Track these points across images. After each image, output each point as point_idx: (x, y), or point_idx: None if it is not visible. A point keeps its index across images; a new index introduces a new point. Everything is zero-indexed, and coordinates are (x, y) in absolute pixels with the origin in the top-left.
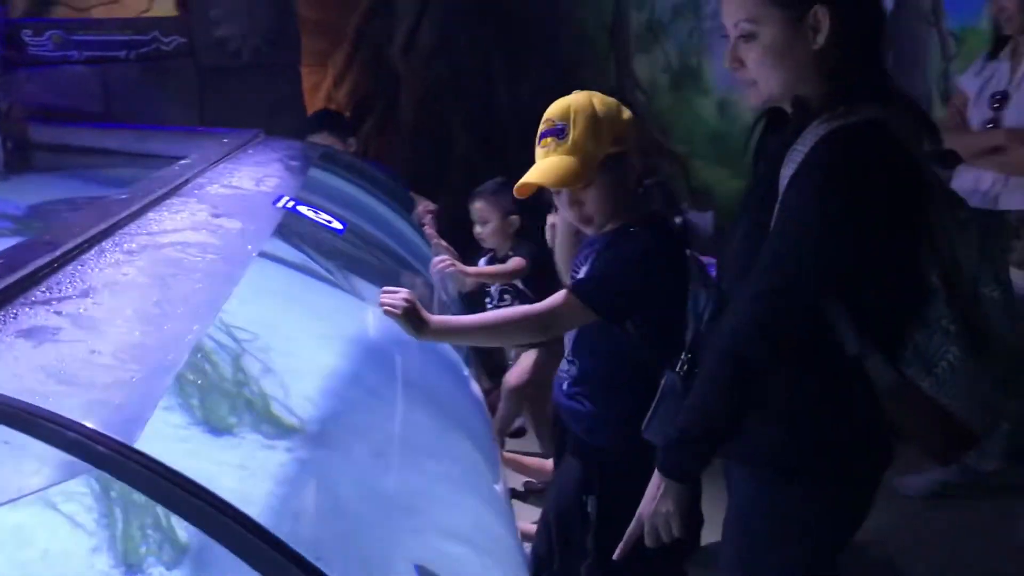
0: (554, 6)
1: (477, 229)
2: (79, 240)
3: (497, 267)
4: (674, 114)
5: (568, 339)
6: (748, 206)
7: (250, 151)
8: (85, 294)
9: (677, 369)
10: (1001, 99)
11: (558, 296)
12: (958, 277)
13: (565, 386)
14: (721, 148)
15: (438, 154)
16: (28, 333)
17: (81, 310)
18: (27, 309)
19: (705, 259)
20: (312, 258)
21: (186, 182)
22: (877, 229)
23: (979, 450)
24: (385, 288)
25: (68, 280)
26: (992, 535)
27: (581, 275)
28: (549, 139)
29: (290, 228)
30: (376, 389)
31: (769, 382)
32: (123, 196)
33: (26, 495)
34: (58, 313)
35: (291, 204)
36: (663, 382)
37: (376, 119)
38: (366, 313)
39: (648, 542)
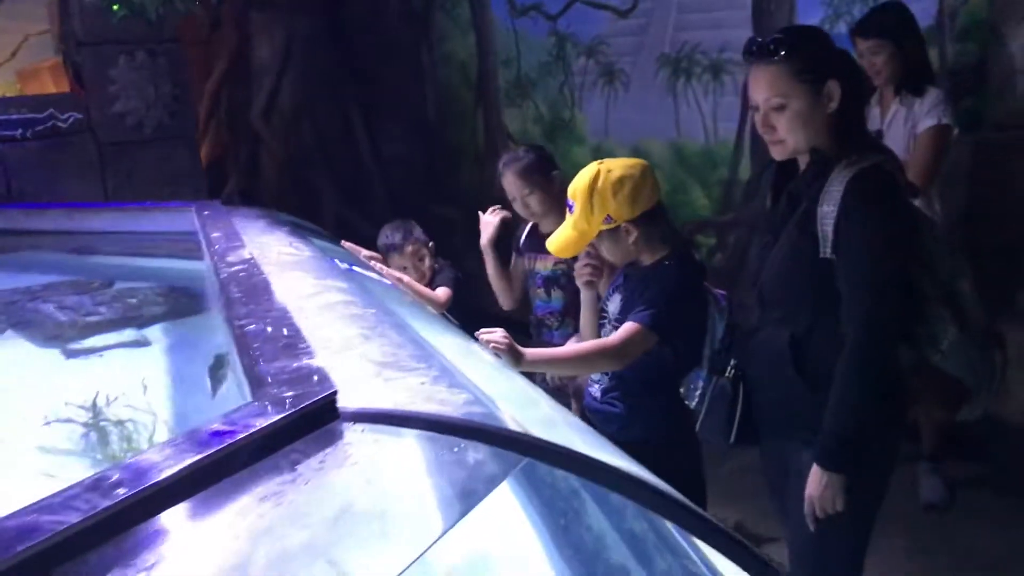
0: (416, 67)
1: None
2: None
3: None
4: None
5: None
6: (778, 233)
7: (237, 220)
8: None
9: (727, 375)
10: (877, 137)
11: (628, 328)
12: (940, 278)
13: (598, 393)
14: None
15: (307, 214)
16: None
17: None
18: None
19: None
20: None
21: (251, 259)
22: (909, 247)
23: (970, 403)
24: (483, 329)
25: None
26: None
27: (615, 305)
28: (567, 210)
29: (364, 284)
30: None
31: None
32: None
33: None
34: None
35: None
36: (712, 386)
37: (237, 182)
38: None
39: (820, 514)
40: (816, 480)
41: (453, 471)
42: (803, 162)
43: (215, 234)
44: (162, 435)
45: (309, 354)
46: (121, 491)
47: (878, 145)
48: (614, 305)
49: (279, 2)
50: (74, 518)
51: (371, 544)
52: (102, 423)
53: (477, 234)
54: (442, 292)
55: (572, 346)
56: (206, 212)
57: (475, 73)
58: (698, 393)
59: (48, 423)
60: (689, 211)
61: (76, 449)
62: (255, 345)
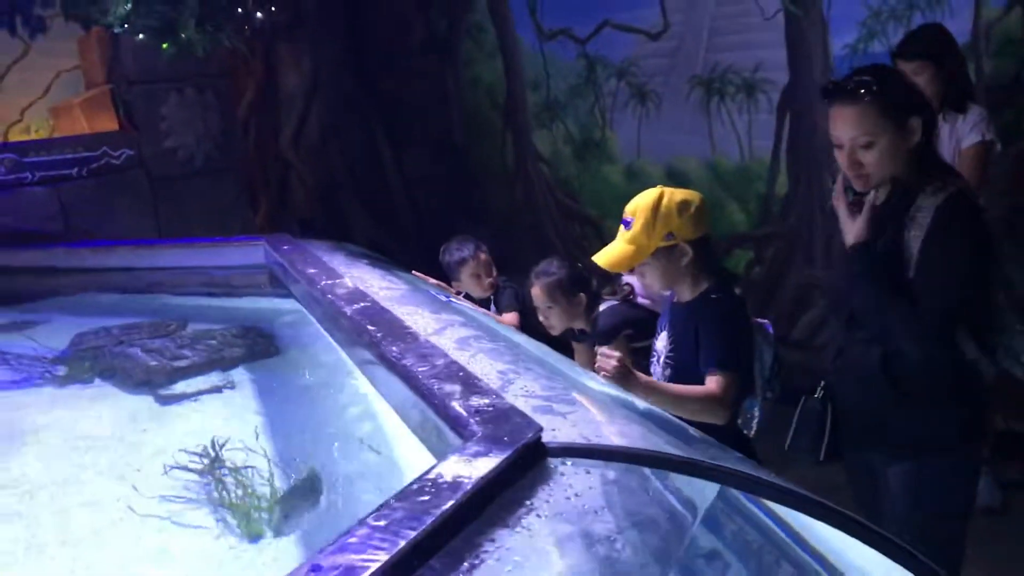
0: (441, 90)
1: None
2: None
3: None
4: (581, 180)
5: (657, 373)
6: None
7: (321, 253)
8: None
9: (816, 395)
10: None
11: (716, 379)
12: (1016, 294)
13: None
14: None
15: (340, 238)
16: None
17: None
18: None
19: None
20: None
21: (367, 295)
22: (991, 263)
23: None
24: (603, 351)
25: None
26: None
27: (664, 343)
28: (621, 227)
29: (470, 315)
30: None
31: (927, 389)
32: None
33: None
34: None
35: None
36: (802, 405)
37: (267, 209)
38: None
39: None
40: None
41: (661, 501)
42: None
43: (310, 270)
44: (279, 480)
45: (492, 392)
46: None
47: (952, 170)
48: (662, 343)
49: (305, 32)
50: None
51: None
52: (218, 469)
53: (505, 252)
54: (510, 317)
55: (681, 386)
56: (285, 247)
57: (503, 96)
58: (755, 421)
59: (167, 471)
60: (726, 226)
61: (197, 497)
62: (434, 384)
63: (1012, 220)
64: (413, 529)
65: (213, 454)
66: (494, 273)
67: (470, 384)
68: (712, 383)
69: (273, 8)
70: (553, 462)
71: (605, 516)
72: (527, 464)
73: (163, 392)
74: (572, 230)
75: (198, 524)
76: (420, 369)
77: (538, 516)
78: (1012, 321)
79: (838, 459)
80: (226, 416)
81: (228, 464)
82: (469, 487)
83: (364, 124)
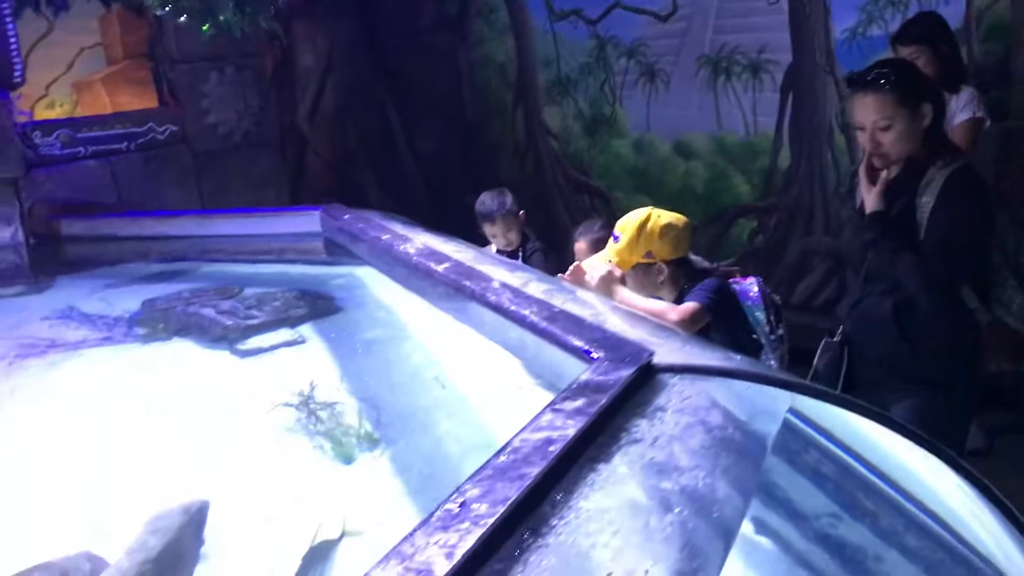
0: (453, 68)
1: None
2: None
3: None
4: (591, 154)
5: None
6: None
7: (384, 221)
8: None
9: (835, 338)
10: None
11: (689, 306)
12: (1009, 254)
13: None
14: (640, 180)
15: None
16: None
17: None
18: None
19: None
20: None
21: (448, 255)
22: (991, 227)
23: None
24: (588, 261)
25: None
26: None
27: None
28: (611, 239)
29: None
30: None
31: (933, 335)
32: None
33: None
34: None
35: None
36: (822, 346)
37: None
38: None
39: None
40: None
41: (755, 404)
42: None
43: (383, 235)
44: (365, 413)
45: (599, 328)
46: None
47: (958, 149)
48: None
49: (320, 11)
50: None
51: (727, 461)
52: (311, 406)
53: None
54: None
55: (651, 301)
56: (345, 215)
57: (514, 73)
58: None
59: (268, 410)
60: (731, 197)
61: (295, 429)
62: (550, 324)
63: (999, 189)
64: (586, 415)
65: (306, 394)
66: (515, 231)
67: (578, 322)
68: (681, 307)
69: None
70: (663, 376)
71: (714, 413)
72: (646, 377)
73: (240, 347)
74: (581, 202)
75: (299, 451)
76: (530, 313)
77: (663, 410)
78: (1005, 276)
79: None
80: (303, 365)
81: (319, 402)
82: (614, 390)
83: (377, 101)
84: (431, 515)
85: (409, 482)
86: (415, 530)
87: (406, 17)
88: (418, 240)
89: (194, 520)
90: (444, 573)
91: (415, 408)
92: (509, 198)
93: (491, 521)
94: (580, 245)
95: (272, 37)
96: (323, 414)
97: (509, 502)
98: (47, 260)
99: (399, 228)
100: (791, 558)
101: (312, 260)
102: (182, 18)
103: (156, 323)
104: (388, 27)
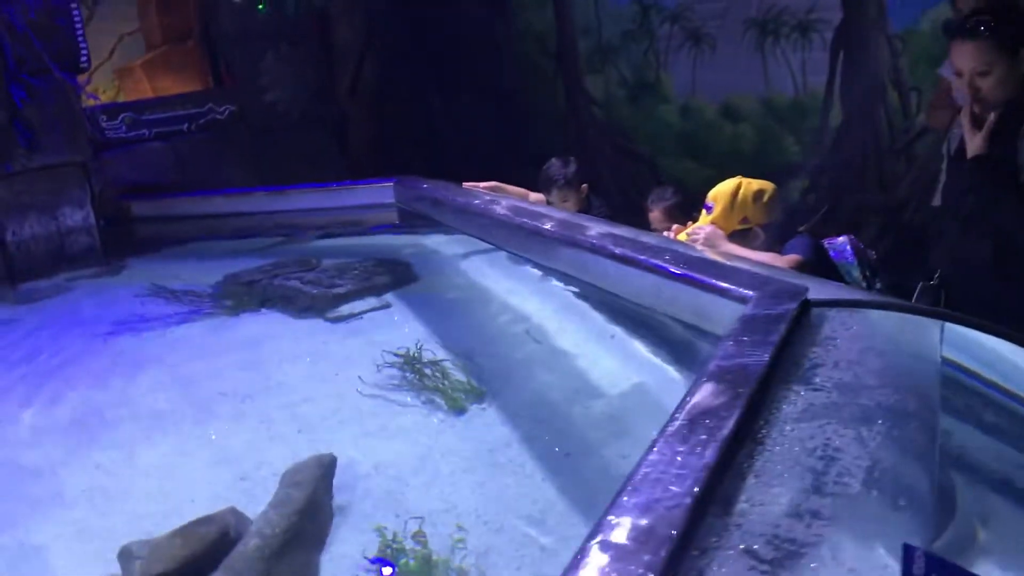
0: (491, 39)
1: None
2: None
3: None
4: (635, 120)
5: None
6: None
7: (463, 190)
8: None
9: (933, 282)
10: None
11: (791, 257)
12: None
13: None
14: (687, 145)
15: None
16: None
17: None
18: None
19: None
20: None
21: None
22: None
23: None
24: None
25: None
26: None
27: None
28: (703, 211)
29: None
30: None
31: None
32: None
33: None
34: None
35: None
36: (919, 289)
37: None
38: None
39: None
40: None
41: (908, 331)
42: None
43: (475, 200)
44: (467, 368)
45: (744, 270)
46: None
47: None
48: None
49: None
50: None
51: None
52: (417, 364)
53: None
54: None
55: (756, 253)
56: (424, 185)
57: (553, 42)
58: None
59: (381, 367)
60: (782, 157)
61: (402, 386)
62: (698, 271)
63: None
64: (769, 344)
65: (410, 354)
66: (570, 203)
67: (718, 266)
68: (784, 258)
69: None
70: (821, 310)
71: (879, 340)
72: (806, 309)
73: (330, 315)
74: (626, 168)
75: (410, 405)
76: (666, 260)
77: (833, 339)
78: None
79: None
80: (395, 328)
81: (423, 361)
82: (786, 321)
83: (415, 74)
84: (665, 428)
85: (520, 427)
86: (657, 440)
87: None
88: (507, 204)
89: (327, 473)
90: (688, 485)
91: (512, 362)
92: (571, 170)
93: (723, 435)
94: (655, 214)
95: (322, 15)
96: (428, 371)
97: (732, 419)
98: (118, 241)
99: (480, 195)
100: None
101: (391, 230)
102: None
103: (242, 296)
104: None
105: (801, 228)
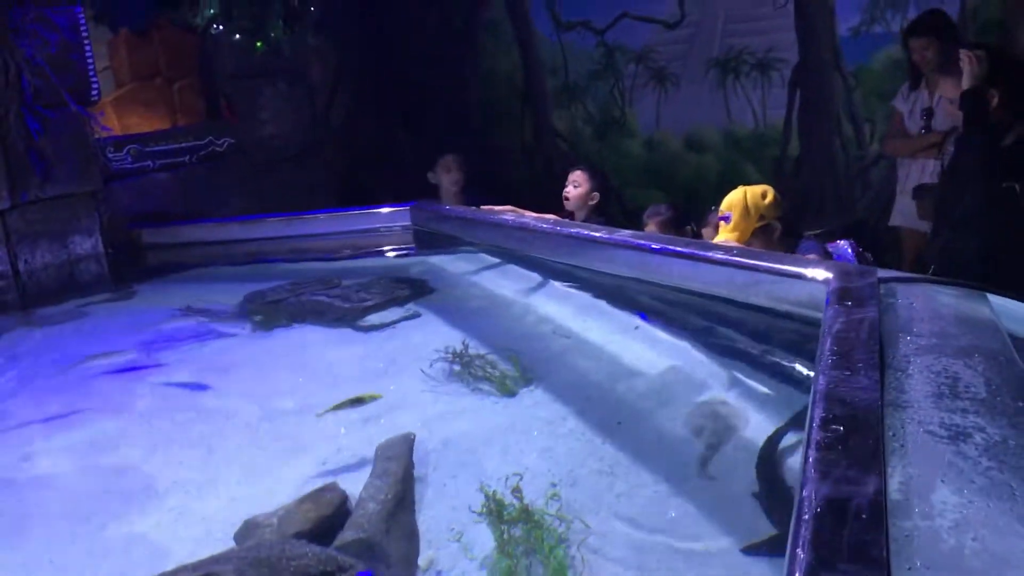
0: (460, 78)
1: (568, 190)
2: None
3: None
4: (602, 154)
5: None
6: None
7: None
8: None
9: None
10: (928, 113)
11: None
12: None
13: None
14: (652, 175)
15: None
16: None
17: None
18: None
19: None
20: None
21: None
22: None
23: None
24: None
25: None
26: None
27: None
28: (722, 222)
29: None
30: None
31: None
32: None
33: None
34: None
35: None
36: None
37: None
38: None
39: None
40: None
41: (963, 299)
42: None
43: (507, 217)
44: (508, 362)
45: (810, 261)
46: None
47: None
48: None
49: (329, 26)
50: None
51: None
52: (464, 358)
53: None
54: None
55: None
56: (447, 207)
57: (521, 82)
58: None
59: (431, 363)
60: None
61: (451, 379)
62: (755, 261)
63: None
64: (871, 310)
65: (457, 350)
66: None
67: (772, 258)
68: None
69: (312, 7)
70: (886, 285)
71: (952, 306)
72: (878, 284)
73: (361, 324)
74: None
75: (464, 392)
76: (720, 255)
77: (911, 302)
78: None
79: None
80: (430, 332)
81: (470, 354)
82: (875, 293)
83: (385, 113)
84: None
85: (571, 404)
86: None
87: (412, 31)
88: (551, 218)
89: (411, 448)
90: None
91: (549, 355)
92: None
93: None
94: (650, 228)
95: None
96: (475, 364)
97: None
98: (125, 268)
99: (497, 213)
100: None
101: (406, 252)
102: (237, 36)
103: (270, 312)
104: (395, 41)
105: (807, 233)
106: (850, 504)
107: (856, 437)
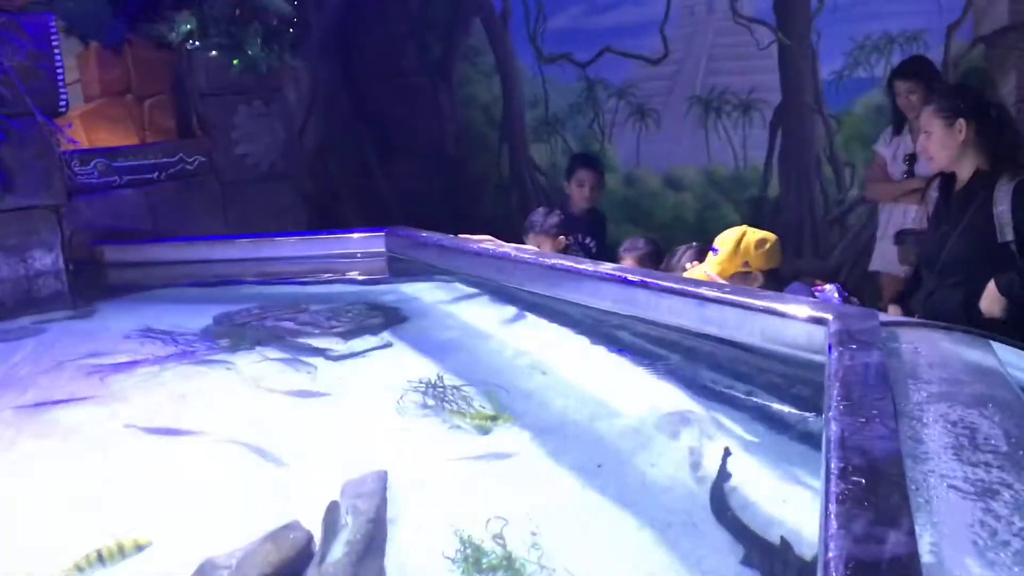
0: (435, 108)
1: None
2: None
3: None
4: None
5: None
6: (952, 226)
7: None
8: None
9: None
10: (911, 158)
11: None
12: None
13: None
14: (630, 211)
15: None
16: None
17: None
18: None
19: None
20: None
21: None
22: None
23: None
24: None
25: None
26: None
27: None
28: (710, 253)
29: None
30: None
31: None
32: None
33: None
34: None
35: None
36: None
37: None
38: None
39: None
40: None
41: (964, 343)
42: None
43: (486, 246)
44: (483, 396)
45: (810, 302)
46: None
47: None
48: None
49: (304, 50)
50: None
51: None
52: (439, 390)
53: None
54: None
55: None
56: (422, 234)
57: (499, 113)
58: None
59: (402, 395)
60: (722, 225)
61: (429, 407)
62: (757, 300)
63: None
64: (875, 351)
65: (431, 382)
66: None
67: (768, 297)
68: None
69: (291, 28)
70: (887, 329)
71: (953, 350)
72: (879, 327)
73: (331, 352)
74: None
75: (437, 428)
76: (713, 292)
77: (916, 347)
78: None
79: None
80: (402, 364)
81: (444, 385)
82: (878, 334)
83: (357, 139)
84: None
85: (548, 443)
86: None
87: (388, 59)
88: (530, 249)
89: (383, 486)
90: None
91: (527, 390)
92: (550, 221)
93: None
94: (627, 262)
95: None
96: (451, 397)
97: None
98: (86, 286)
99: (471, 243)
100: None
101: (380, 280)
102: (213, 52)
103: (235, 337)
104: (370, 68)
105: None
106: (882, 567)
107: (879, 491)
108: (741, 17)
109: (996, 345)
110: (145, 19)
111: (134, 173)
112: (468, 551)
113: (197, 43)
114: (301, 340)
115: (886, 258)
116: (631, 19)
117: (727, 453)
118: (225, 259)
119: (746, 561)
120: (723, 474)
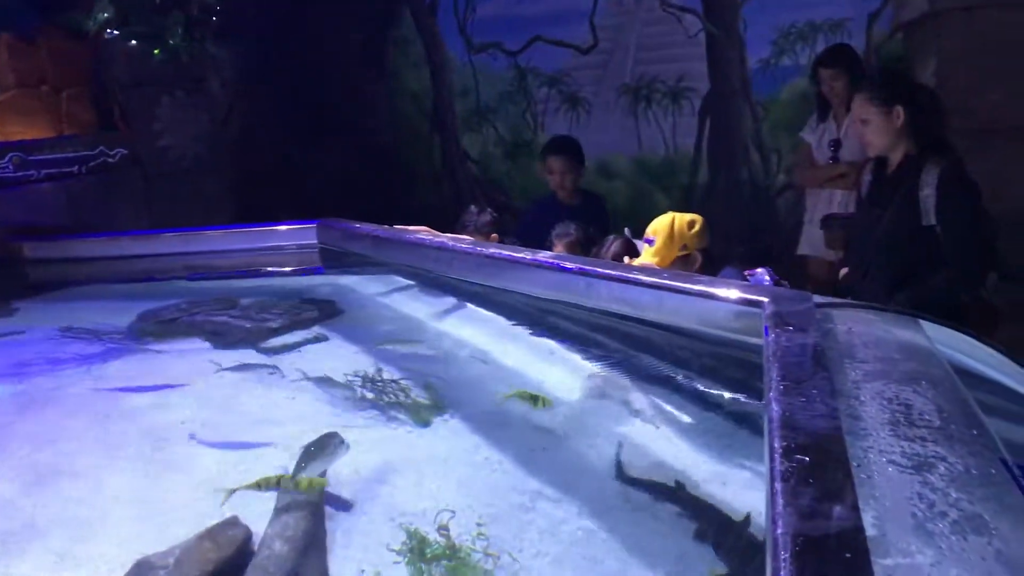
0: (368, 98)
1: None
2: None
3: None
4: (512, 177)
5: None
6: (883, 208)
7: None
8: None
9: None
10: (836, 144)
11: None
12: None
13: None
14: None
15: None
16: None
17: None
18: None
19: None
20: None
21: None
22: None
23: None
24: None
25: None
26: None
27: None
28: (647, 245)
29: None
30: None
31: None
32: None
33: None
34: None
35: None
36: None
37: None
38: None
39: None
40: None
41: (895, 323)
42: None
43: (428, 238)
44: (422, 387)
45: (745, 286)
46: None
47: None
48: None
49: (229, 36)
50: None
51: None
52: (377, 382)
53: None
54: None
55: None
56: (356, 225)
57: (430, 103)
58: None
59: (339, 389)
60: (653, 212)
61: (367, 400)
62: (712, 287)
63: None
64: (811, 334)
65: (369, 375)
66: None
67: (703, 281)
68: None
69: (214, 17)
70: (821, 311)
71: (885, 329)
72: (814, 309)
73: (263, 346)
74: (505, 224)
75: (376, 420)
76: (649, 278)
77: (849, 327)
78: None
79: None
80: (337, 356)
81: (383, 379)
82: (812, 317)
83: (283, 127)
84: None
85: (489, 433)
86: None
87: (317, 46)
88: (467, 240)
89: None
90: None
91: (466, 381)
92: (482, 219)
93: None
94: (558, 248)
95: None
96: (390, 389)
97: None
98: (5, 284)
99: (404, 235)
100: None
101: (311, 271)
102: (132, 42)
103: (164, 334)
104: (298, 55)
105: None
106: (830, 541)
107: (823, 468)
108: (669, 6)
109: (925, 324)
110: (60, 7)
111: (52, 167)
112: (413, 543)
113: (116, 32)
114: (233, 335)
115: (813, 242)
116: (560, 8)
117: (664, 436)
118: (151, 254)
119: (696, 538)
120: (662, 457)
